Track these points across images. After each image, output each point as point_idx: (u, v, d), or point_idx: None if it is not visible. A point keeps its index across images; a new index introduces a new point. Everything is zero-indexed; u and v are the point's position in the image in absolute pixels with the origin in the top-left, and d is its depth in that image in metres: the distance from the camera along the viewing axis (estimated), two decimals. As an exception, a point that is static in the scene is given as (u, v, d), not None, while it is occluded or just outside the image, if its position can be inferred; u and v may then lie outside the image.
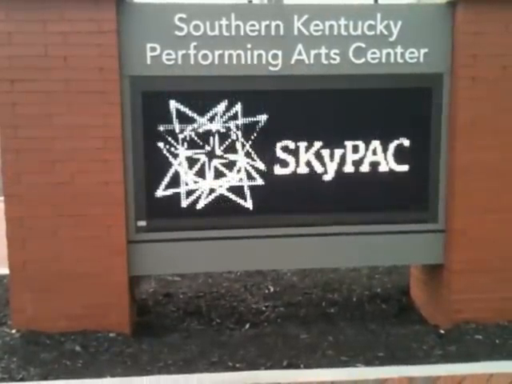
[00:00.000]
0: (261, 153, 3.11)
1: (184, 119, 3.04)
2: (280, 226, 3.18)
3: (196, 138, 3.08)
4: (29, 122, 2.92)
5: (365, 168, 3.18)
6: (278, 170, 3.14)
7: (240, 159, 3.11)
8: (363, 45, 3.07)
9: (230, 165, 3.11)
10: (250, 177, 3.13)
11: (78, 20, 2.87)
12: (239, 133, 3.09)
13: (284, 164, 3.14)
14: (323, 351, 2.95)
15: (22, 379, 2.65)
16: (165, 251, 3.14)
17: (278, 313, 3.70)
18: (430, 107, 3.16)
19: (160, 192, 3.09)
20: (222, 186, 3.12)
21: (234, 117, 3.07)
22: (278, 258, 3.23)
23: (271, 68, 3.05)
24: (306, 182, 3.16)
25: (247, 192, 3.14)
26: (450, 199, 3.22)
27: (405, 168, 3.21)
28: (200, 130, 3.07)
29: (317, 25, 3.03)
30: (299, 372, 2.73)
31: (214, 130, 3.07)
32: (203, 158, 3.10)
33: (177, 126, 3.05)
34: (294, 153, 3.13)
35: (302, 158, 3.14)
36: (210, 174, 3.10)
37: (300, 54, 3.05)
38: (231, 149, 3.09)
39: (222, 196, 3.13)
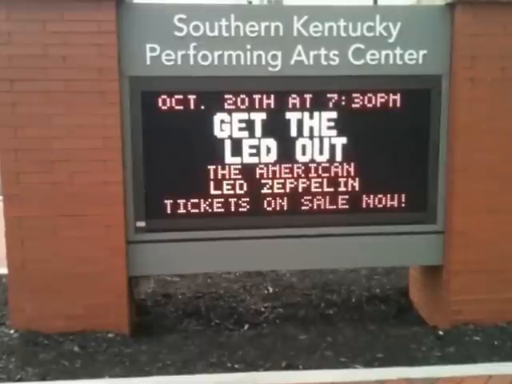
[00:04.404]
0: (259, 153, 3.11)
1: (183, 119, 3.04)
2: (279, 226, 3.18)
3: (196, 139, 3.07)
4: (28, 122, 2.92)
5: (363, 168, 3.18)
6: (277, 171, 3.14)
7: (239, 159, 3.10)
8: (362, 46, 3.08)
9: (230, 165, 3.10)
10: (249, 177, 3.13)
11: (78, 20, 2.87)
12: (238, 133, 3.08)
13: (283, 164, 3.13)
14: (322, 352, 2.95)
15: (20, 379, 2.65)
16: (164, 252, 3.14)
17: (276, 313, 3.70)
18: (429, 108, 3.16)
19: (159, 192, 3.09)
20: (221, 187, 3.12)
21: (233, 117, 3.06)
22: (277, 258, 3.23)
23: (271, 69, 3.05)
24: (305, 183, 3.16)
25: (246, 193, 3.13)
26: (448, 200, 3.22)
27: (404, 169, 3.22)
28: (200, 131, 3.06)
29: (316, 26, 3.04)
30: (298, 373, 2.73)
31: (213, 131, 3.07)
32: (202, 159, 3.10)
33: (176, 127, 3.05)
34: (293, 153, 3.13)
35: (301, 159, 3.14)
36: (209, 174, 3.10)
37: (299, 54, 3.05)
38: (231, 149, 3.08)
39: (221, 196, 3.12)
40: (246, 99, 3.05)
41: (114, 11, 2.88)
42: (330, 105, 3.11)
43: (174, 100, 3.01)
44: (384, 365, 2.80)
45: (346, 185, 3.18)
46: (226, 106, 3.05)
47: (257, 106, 3.06)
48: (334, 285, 4.19)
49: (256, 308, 3.78)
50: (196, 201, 3.11)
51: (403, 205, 3.23)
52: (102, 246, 3.03)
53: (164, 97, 3.00)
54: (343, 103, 3.11)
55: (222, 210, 3.13)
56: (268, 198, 3.15)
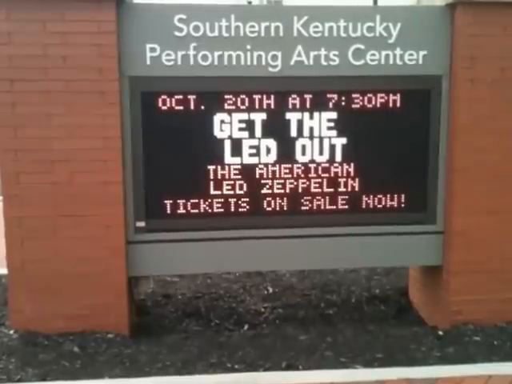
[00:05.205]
0: (259, 153, 3.11)
1: (183, 120, 3.04)
2: (279, 227, 3.18)
3: (196, 139, 3.07)
4: (28, 122, 2.92)
5: (363, 169, 3.18)
6: (277, 171, 3.14)
7: (239, 160, 3.10)
8: (362, 46, 3.08)
9: (229, 165, 3.10)
10: (248, 177, 3.13)
11: (78, 20, 2.87)
12: (238, 133, 3.08)
13: (283, 165, 3.13)
14: (322, 352, 2.95)
15: (19, 380, 2.65)
16: (164, 252, 3.14)
17: (276, 314, 3.70)
18: (429, 109, 3.16)
19: (159, 193, 3.09)
20: (221, 187, 3.11)
21: (233, 117, 3.06)
22: (277, 258, 3.23)
23: (271, 69, 3.05)
24: (305, 183, 3.16)
25: (246, 193, 3.13)
26: (448, 201, 3.23)
27: (404, 169, 3.22)
28: (200, 131, 3.06)
29: (316, 26, 3.04)
30: (298, 374, 2.73)
31: (213, 131, 3.07)
32: (202, 159, 3.09)
33: (176, 127, 3.05)
34: (293, 154, 3.13)
35: (301, 159, 3.14)
36: (209, 174, 3.10)
37: (299, 55, 3.05)
38: (231, 149, 3.08)
39: (221, 197, 3.12)
40: (246, 99, 3.05)
41: (114, 11, 2.88)
42: (330, 105, 3.11)
43: (173, 100, 3.01)
44: (384, 365, 2.81)
45: (345, 185, 3.18)
46: (226, 107, 3.05)
47: (257, 107, 3.06)
48: (333, 285, 4.19)
49: (256, 308, 3.78)
50: (196, 201, 3.11)
51: (403, 205, 3.24)
52: (102, 246, 3.02)
53: (164, 97, 3.00)
54: (343, 103, 3.11)
55: (222, 210, 3.13)
56: (268, 199, 3.15)
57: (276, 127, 3.10)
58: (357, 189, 3.19)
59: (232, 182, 3.11)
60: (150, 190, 3.07)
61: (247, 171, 3.12)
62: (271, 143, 3.11)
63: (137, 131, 3.01)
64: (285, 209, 3.17)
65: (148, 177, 3.06)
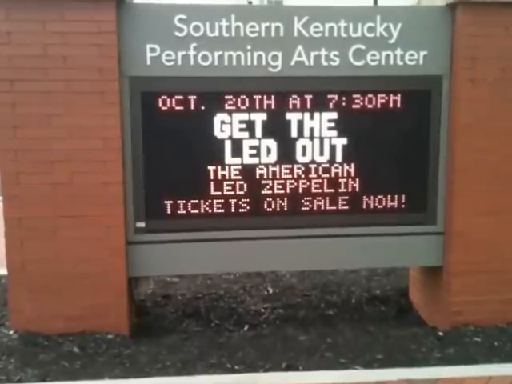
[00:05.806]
0: (259, 154, 3.11)
1: (183, 120, 3.04)
2: (279, 227, 3.18)
3: (196, 139, 3.07)
4: (28, 122, 2.92)
5: (364, 169, 3.18)
6: (277, 171, 3.13)
7: (239, 160, 3.10)
8: (363, 47, 3.07)
9: (230, 165, 3.10)
10: (249, 178, 3.12)
11: (78, 20, 2.87)
12: (239, 134, 3.08)
13: (284, 165, 3.13)
14: (322, 353, 2.95)
15: (19, 380, 2.65)
16: (164, 252, 3.14)
17: (276, 314, 3.70)
18: (430, 109, 3.16)
19: (159, 193, 3.08)
20: (221, 187, 3.11)
21: (234, 118, 3.06)
22: (277, 259, 3.23)
23: (271, 69, 3.05)
24: (305, 184, 3.16)
25: (246, 194, 3.13)
26: (449, 201, 3.22)
27: (404, 169, 3.22)
28: (200, 131, 3.06)
29: (317, 26, 3.04)
30: (298, 374, 2.72)
31: (214, 131, 3.06)
32: (203, 159, 3.09)
33: (176, 127, 3.04)
34: (294, 154, 3.13)
35: (301, 160, 3.13)
36: (209, 174, 3.09)
37: (300, 55, 3.05)
38: (231, 150, 3.08)
39: (221, 197, 3.12)
40: (247, 100, 3.05)
41: (114, 11, 2.87)
42: (331, 105, 3.11)
43: (174, 100, 3.00)
44: (384, 366, 2.80)
45: (346, 185, 3.18)
46: (227, 107, 3.04)
47: (257, 107, 3.06)
48: (333, 286, 4.19)
49: (256, 309, 3.78)
50: (196, 201, 3.10)
51: (403, 205, 3.23)
52: (102, 247, 3.02)
53: (164, 97, 3.00)
54: (344, 104, 3.11)
55: (222, 210, 3.12)
56: (268, 199, 3.15)
57: (276, 127, 3.10)
58: (357, 189, 3.19)
59: (232, 183, 3.11)
60: (150, 191, 3.07)
61: (247, 172, 3.11)
62: (271, 143, 3.11)
63: (137, 131, 3.01)
64: (285, 209, 3.17)
65: (148, 177, 3.06)
